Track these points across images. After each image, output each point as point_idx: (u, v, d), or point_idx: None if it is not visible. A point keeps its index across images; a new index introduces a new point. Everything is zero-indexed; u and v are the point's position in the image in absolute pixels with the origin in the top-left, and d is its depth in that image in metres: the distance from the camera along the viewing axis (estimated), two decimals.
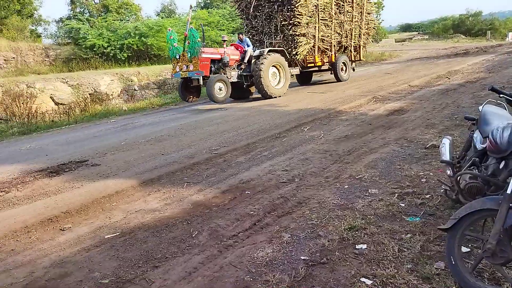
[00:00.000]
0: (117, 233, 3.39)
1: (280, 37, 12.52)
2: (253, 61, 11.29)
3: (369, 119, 7.31)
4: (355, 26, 14.57)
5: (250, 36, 13.24)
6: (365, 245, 2.82)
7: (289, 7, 11.89)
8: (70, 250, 3.18)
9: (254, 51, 11.60)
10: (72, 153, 6.34)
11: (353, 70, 15.49)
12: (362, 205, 3.52)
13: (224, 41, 11.12)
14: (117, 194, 4.36)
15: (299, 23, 12.00)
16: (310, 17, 12.30)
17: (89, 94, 15.02)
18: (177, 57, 10.47)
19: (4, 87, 13.54)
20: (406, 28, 66.77)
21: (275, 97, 11.18)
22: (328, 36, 13.32)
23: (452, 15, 54.91)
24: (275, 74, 11.53)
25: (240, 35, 12.20)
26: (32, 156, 6.51)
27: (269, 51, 11.39)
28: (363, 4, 14.82)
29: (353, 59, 15.12)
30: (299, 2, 11.85)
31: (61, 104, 14.20)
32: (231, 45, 11.88)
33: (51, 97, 14.42)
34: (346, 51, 14.79)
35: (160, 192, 4.38)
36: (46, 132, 9.39)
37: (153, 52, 21.75)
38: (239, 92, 12.01)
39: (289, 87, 12.59)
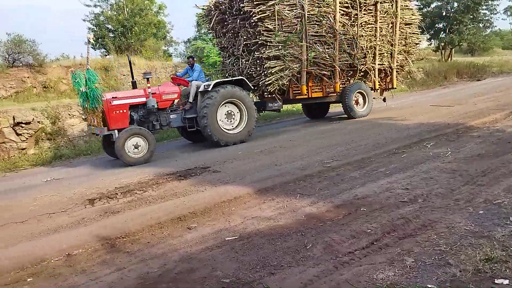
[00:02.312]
0: (236, 237, 3.60)
1: (248, 60, 9.29)
2: (198, 99, 8.30)
3: (508, 136, 6.35)
4: (383, 43, 10.42)
5: (223, 59, 10.54)
6: (507, 280, 2.43)
7: (252, 21, 8.60)
8: (196, 248, 3.48)
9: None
10: (197, 160, 6.98)
11: (384, 101, 11.56)
12: (501, 234, 3.06)
13: (147, 78, 7.86)
14: (235, 200, 4.63)
15: (267, 42, 8.62)
16: (289, 32, 8.85)
17: None
18: (87, 105, 7.44)
19: None
20: None
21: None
22: (327, 57, 9.47)
23: None
24: (231, 114, 8.41)
25: (191, 59, 9.14)
26: (164, 161, 7.39)
27: (219, 84, 8.19)
28: (396, 11, 10.35)
29: (377, 87, 10.82)
30: (263, 12, 8.43)
31: None
32: (172, 78, 8.96)
33: None
34: (366, 77, 10.67)
35: (274, 201, 4.50)
36: (175, 139, 10.54)
37: None
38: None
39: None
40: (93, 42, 7.88)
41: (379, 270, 2.73)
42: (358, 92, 10.29)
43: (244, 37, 9.08)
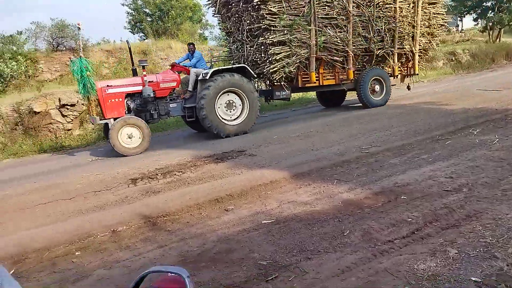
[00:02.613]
0: (273, 220, 3.63)
1: (252, 46, 8.73)
2: (198, 87, 7.87)
3: None
4: (403, 25, 9.56)
5: (229, 45, 9.97)
6: None
7: (254, 3, 7.99)
8: (233, 229, 3.55)
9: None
10: (232, 144, 7.06)
11: (408, 89, 10.57)
12: None
13: (143, 66, 7.52)
14: (271, 183, 4.65)
15: (271, 26, 8.03)
16: (296, 15, 8.18)
17: None
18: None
19: None
20: None
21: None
22: (339, 42, 8.81)
23: None
24: (231, 104, 7.95)
25: (191, 46, 8.55)
26: (201, 144, 7.53)
27: (218, 71, 7.73)
28: None
29: (396, 73, 10.01)
30: None
31: None
32: (172, 65, 8.42)
33: None
34: (384, 62, 9.90)
35: (311, 186, 4.48)
36: None
37: None
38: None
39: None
40: (82, 28, 7.70)
41: (420, 260, 2.67)
42: (374, 79, 9.51)
43: (247, 22, 8.52)
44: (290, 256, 2.93)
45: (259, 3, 7.89)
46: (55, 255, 3.43)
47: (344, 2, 8.66)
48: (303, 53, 8.49)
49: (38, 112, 9.77)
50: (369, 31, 9.13)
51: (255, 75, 8.56)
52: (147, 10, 20.97)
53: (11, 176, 6.50)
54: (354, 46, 9.05)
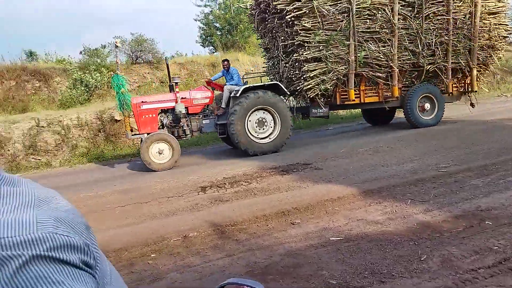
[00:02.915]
0: (341, 238, 3.53)
1: (287, 63, 8.46)
2: (230, 104, 7.86)
3: None
4: (457, 37, 8.64)
5: (267, 61, 9.68)
6: None
7: (288, 19, 7.77)
8: (300, 244, 3.52)
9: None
10: (298, 156, 7.04)
11: (472, 106, 9.54)
12: None
13: (176, 83, 7.75)
14: (339, 199, 4.54)
15: (305, 42, 7.76)
16: (333, 30, 7.83)
17: None
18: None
19: None
20: None
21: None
22: (382, 57, 8.24)
23: None
24: (263, 122, 7.78)
25: (225, 62, 8.49)
26: (267, 155, 7.61)
27: (250, 88, 7.67)
28: None
29: (450, 90, 9.05)
30: (299, 10, 7.58)
31: None
32: (206, 82, 8.71)
33: None
34: (437, 78, 9.03)
35: (381, 204, 4.29)
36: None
37: None
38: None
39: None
40: (120, 46, 8.07)
41: None
42: (424, 97, 8.75)
43: (282, 38, 8.38)
44: (362, 278, 2.81)
45: (293, 19, 7.71)
46: (132, 256, 3.67)
47: (389, 14, 8.07)
48: (341, 69, 8.10)
49: (118, 120, 10.64)
50: (417, 44, 8.43)
51: (288, 92, 8.43)
52: (217, 25, 21.92)
53: (95, 178, 7.14)
54: (399, 61, 8.45)
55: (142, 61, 16.68)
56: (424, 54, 8.54)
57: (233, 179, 5.81)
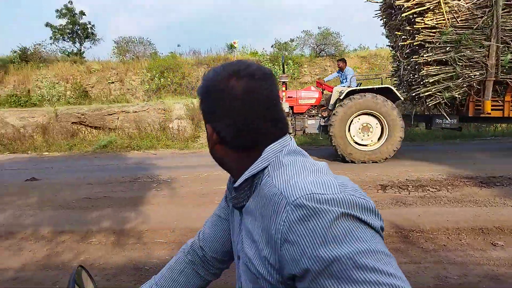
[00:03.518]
0: None
1: (409, 65, 7.34)
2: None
3: None
4: None
5: (392, 62, 8.57)
6: None
7: (410, 16, 6.65)
8: (504, 269, 3.01)
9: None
10: (502, 168, 5.98)
11: None
12: None
13: (283, 82, 7.50)
14: None
15: (426, 42, 6.59)
16: (466, 28, 6.41)
17: None
18: None
19: None
20: None
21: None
22: None
23: None
24: (367, 128, 7.09)
25: (340, 62, 8.06)
26: (460, 162, 6.75)
27: (354, 92, 7.13)
28: None
29: None
30: (421, 5, 6.41)
31: None
32: (317, 82, 8.33)
33: None
34: None
35: None
36: (472, 140, 9.43)
37: None
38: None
39: None
40: (237, 47, 8.13)
41: None
42: None
43: (403, 37, 7.40)
44: None
45: (415, 15, 6.68)
46: None
47: None
48: (475, 75, 6.72)
49: None
50: None
51: (402, 98, 7.62)
52: None
53: (200, 163, 7.74)
54: None
55: (325, 54, 17.12)
56: None
57: (418, 182, 5.39)
